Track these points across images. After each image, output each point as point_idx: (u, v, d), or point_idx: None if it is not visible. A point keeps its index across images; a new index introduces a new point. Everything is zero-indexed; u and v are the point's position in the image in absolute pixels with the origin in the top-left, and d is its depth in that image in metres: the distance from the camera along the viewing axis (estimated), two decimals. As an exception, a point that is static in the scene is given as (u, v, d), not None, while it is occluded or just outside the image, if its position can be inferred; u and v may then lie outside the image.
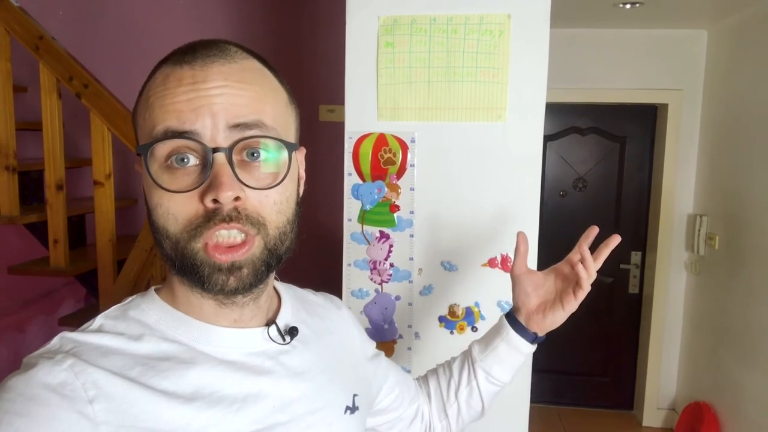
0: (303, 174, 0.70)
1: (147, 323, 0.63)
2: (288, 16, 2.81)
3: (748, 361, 2.77)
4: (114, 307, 0.66)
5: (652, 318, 3.51)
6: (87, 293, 2.82)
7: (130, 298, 0.67)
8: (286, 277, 0.76)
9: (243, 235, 0.57)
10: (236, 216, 0.56)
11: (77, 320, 2.36)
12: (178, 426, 0.56)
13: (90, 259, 2.45)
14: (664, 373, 3.56)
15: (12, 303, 2.67)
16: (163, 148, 0.57)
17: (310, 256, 2.55)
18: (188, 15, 2.86)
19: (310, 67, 2.76)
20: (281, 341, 0.68)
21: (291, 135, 0.65)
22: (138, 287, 2.14)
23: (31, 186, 2.56)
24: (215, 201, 0.55)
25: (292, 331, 0.70)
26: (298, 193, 0.66)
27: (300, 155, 0.70)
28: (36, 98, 2.29)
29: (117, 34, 2.91)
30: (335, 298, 0.89)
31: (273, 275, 0.69)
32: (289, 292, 0.78)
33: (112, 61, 2.84)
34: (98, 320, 0.63)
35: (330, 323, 0.81)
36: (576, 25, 3.28)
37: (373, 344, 0.93)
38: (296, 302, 0.77)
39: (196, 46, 0.60)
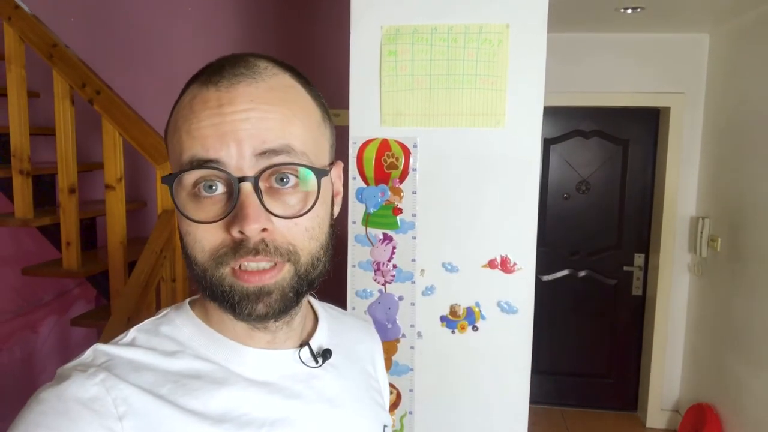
0: (340, 189, 0.67)
1: (180, 340, 0.62)
2: (294, 22, 2.87)
3: (751, 362, 2.79)
4: (148, 320, 0.65)
5: (655, 320, 3.54)
6: (98, 294, 2.88)
7: (163, 312, 0.66)
8: None
9: (272, 263, 0.56)
10: (264, 249, 0.54)
11: (88, 321, 2.41)
12: None
13: (101, 261, 2.50)
14: (668, 374, 3.58)
15: (25, 304, 2.74)
16: (189, 178, 0.55)
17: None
18: (197, 22, 2.92)
19: (314, 72, 2.80)
20: (313, 364, 0.66)
21: (324, 155, 0.61)
22: (148, 289, 2.18)
23: (44, 189, 2.62)
24: (242, 233, 0.53)
25: (326, 354, 0.68)
26: (331, 215, 0.63)
27: (336, 170, 0.65)
28: (48, 103, 2.36)
29: (128, 41, 2.97)
30: (370, 325, 0.87)
31: (307, 297, 0.68)
32: (325, 311, 0.75)
33: (123, 68, 2.91)
34: (131, 333, 0.62)
35: (362, 348, 0.79)
36: (579, 29, 3.32)
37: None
38: (332, 323, 0.75)
39: (224, 63, 0.58)
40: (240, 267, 0.55)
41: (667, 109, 3.43)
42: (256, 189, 0.54)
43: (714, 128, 3.28)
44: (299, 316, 0.66)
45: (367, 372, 0.77)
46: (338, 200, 0.66)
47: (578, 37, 3.38)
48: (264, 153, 0.54)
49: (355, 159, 1.62)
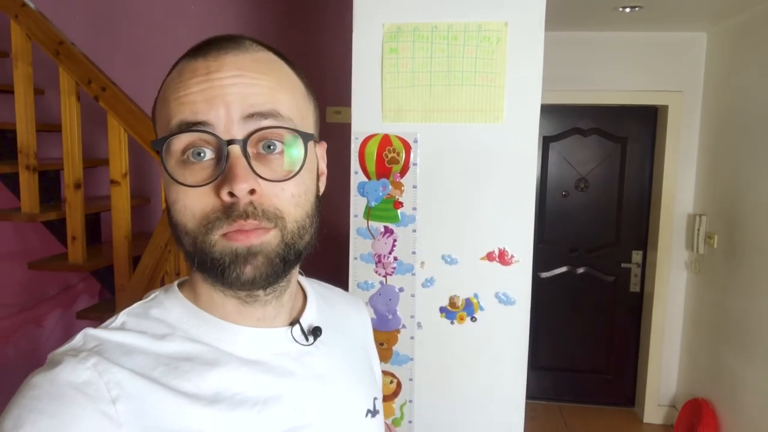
0: (324, 169, 0.68)
1: (169, 322, 0.62)
2: (297, 20, 2.91)
3: (747, 357, 2.83)
4: (136, 303, 0.64)
5: (652, 316, 3.58)
6: (102, 288, 2.92)
7: (152, 294, 0.66)
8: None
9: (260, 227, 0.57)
10: (252, 212, 0.55)
11: (94, 314, 2.45)
12: (200, 428, 0.56)
13: (106, 255, 2.54)
14: (665, 370, 3.62)
15: (31, 298, 2.77)
16: (178, 143, 0.56)
17: (318, 250, 2.64)
18: (201, 20, 2.96)
19: (317, 70, 2.85)
20: (304, 342, 0.67)
21: (309, 126, 0.63)
22: (152, 283, 2.22)
23: (50, 185, 2.66)
24: (231, 194, 0.54)
25: (316, 332, 0.68)
26: (317, 187, 0.64)
27: (320, 149, 0.67)
28: (52, 100, 2.39)
29: (133, 39, 3.01)
30: (358, 300, 0.88)
31: (296, 272, 0.68)
32: (313, 289, 0.76)
33: (129, 65, 2.95)
34: (121, 317, 0.62)
35: (350, 323, 0.80)
36: (577, 27, 3.35)
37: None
38: (320, 300, 0.75)
39: (211, 40, 0.60)
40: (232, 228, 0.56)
41: (665, 108, 3.47)
42: (245, 152, 0.55)
43: (711, 126, 3.31)
44: (288, 293, 0.66)
45: (356, 346, 0.79)
46: (323, 179, 0.68)
47: (577, 36, 3.41)
48: (252, 116, 0.55)
49: (356, 154, 1.66)
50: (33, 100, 2.45)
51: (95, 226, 2.81)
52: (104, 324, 0.62)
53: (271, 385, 0.61)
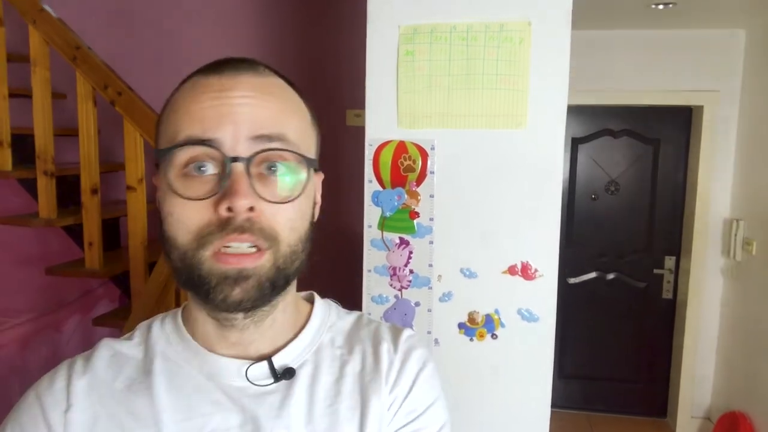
0: (319, 199, 0.67)
1: (155, 339, 0.67)
2: (316, 22, 2.85)
3: (786, 371, 2.69)
4: (160, 314, 0.70)
5: (686, 324, 3.44)
6: (121, 294, 2.90)
7: (182, 306, 0.70)
8: (305, 280, 0.70)
9: (254, 248, 0.56)
10: (249, 227, 0.55)
11: (109, 321, 2.43)
12: None
13: (123, 261, 2.52)
14: (699, 380, 3.47)
15: (50, 303, 2.78)
16: (182, 155, 0.56)
17: (331, 261, 2.57)
18: (218, 24, 2.92)
19: (337, 72, 2.79)
20: (262, 381, 0.63)
21: (311, 154, 0.63)
22: (167, 289, 2.19)
23: (68, 190, 2.65)
24: (229, 210, 0.54)
25: (285, 374, 0.64)
26: (312, 214, 0.64)
27: (317, 179, 0.66)
28: (75, 105, 2.38)
29: (149, 44, 2.99)
30: (419, 353, 0.71)
31: (285, 299, 0.65)
32: (327, 325, 0.71)
33: (145, 70, 2.92)
34: (136, 330, 0.69)
35: (367, 369, 0.67)
36: (608, 26, 3.23)
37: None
38: (338, 338, 0.70)
39: (227, 60, 0.61)
40: (222, 249, 0.55)
41: (700, 108, 3.32)
42: (248, 170, 0.55)
43: (749, 127, 3.16)
44: (271, 319, 0.63)
45: (356, 392, 0.66)
46: (317, 210, 0.67)
47: (608, 35, 3.29)
48: (259, 137, 0.56)
49: (371, 162, 1.58)
50: (51, 105, 2.44)
51: (114, 231, 2.79)
52: (123, 336, 0.69)
53: (218, 419, 0.61)
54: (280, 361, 0.65)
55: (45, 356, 2.60)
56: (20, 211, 2.77)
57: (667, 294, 3.59)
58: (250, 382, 0.63)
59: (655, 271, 3.59)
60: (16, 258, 2.86)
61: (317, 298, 0.74)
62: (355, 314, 0.75)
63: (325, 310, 0.72)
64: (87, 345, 0.70)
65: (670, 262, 3.57)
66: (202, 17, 2.94)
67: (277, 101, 0.59)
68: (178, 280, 0.59)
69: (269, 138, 0.56)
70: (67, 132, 2.69)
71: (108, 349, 0.67)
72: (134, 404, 0.61)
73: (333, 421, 0.63)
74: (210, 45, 2.89)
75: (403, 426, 0.66)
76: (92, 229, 2.40)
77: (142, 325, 0.70)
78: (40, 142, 2.41)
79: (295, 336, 0.67)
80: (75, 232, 2.64)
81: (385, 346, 0.69)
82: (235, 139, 0.55)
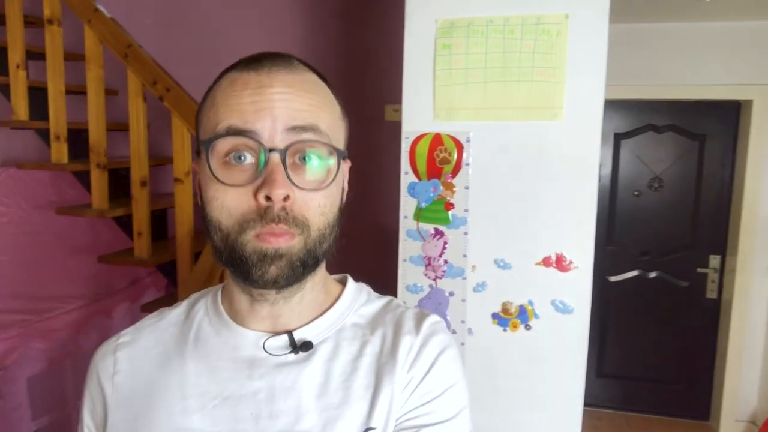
0: (347, 186, 0.72)
1: (197, 310, 0.74)
2: (356, 18, 2.89)
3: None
4: (208, 288, 0.77)
5: (731, 324, 3.35)
6: (168, 283, 3.01)
7: (218, 286, 0.77)
8: (342, 269, 0.77)
9: (288, 233, 0.61)
10: (284, 217, 0.60)
11: (157, 307, 2.50)
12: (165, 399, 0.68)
13: (170, 250, 2.61)
14: (744, 383, 3.38)
15: (101, 290, 2.90)
16: (223, 144, 0.61)
17: (369, 249, 2.61)
18: (262, 22, 3.00)
19: (376, 68, 2.83)
20: (281, 352, 0.68)
21: (341, 144, 0.68)
22: (212, 278, 2.27)
23: (119, 182, 2.77)
24: (267, 198, 0.59)
25: (303, 346, 0.68)
26: (341, 201, 0.69)
27: (345, 167, 0.72)
28: (126, 101, 2.48)
29: (197, 42, 3.09)
30: (441, 338, 0.72)
31: (313, 278, 0.69)
32: (360, 305, 0.74)
33: (192, 67, 3.01)
34: (186, 300, 0.77)
35: (390, 370, 0.68)
36: (653, 19, 3.17)
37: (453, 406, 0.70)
38: (363, 320, 0.73)
39: (263, 56, 0.65)
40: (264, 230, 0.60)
41: (749, 102, 3.23)
42: (284, 160, 0.60)
43: (801, 122, 3.05)
44: (299, 296, 0.68)
45: (371, 372, 0.68)
46: (344, 196, 0.71)
47: (652, 28, 3.23)
48: (294, 128, 0.61)
49: (407, 154, 1.61)
50: (104, 101, 2.55)
51: (162, 222, 2.90)
52: (175, 304, 0.78)
53: (234, 386, 0.66)
54: (301, 335, 0.69)
55: (96, 341, 2.71)
56: (75, 202, 2.92)
57: (711, 293, 3.50)
58: (267, 352, 0.67)
59: (699, 270, 3.50)
60: (70, 247, 3.00)
61: (350, 280, 0.77)
62: (385, 299, 0.78)
63: (355, 292, 0.75)
64: (135, 331, 0.79)
65: (714, 261, 3.48)
66: (246, 16, 3.02)
67: (310, 96, 0.63)
68: (218, 258, 0.64)
69: (303, 129, 0.61)
70: (118, 127, 2.81)
71: (157, 315, 0.77)
72: (167, 369, 0.69)
73: (345, 397, 0.66)
74: (254, 42, 2.96)
75: (418, 407, 0.67)
76: (141, 220, 2.50)
77: (193, 296, 0.78)
78: (93, 136, 2.53)
79: (321, 314, 0.71)
80: (125, 223, 2.75)
81: (406, 329, 0.71)
82: (273, 131, 0.60)
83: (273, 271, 0.61)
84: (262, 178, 0.59)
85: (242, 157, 0.60)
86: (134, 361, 0.71)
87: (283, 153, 0.60)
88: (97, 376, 0.72)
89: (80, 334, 2.68)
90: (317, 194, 0.62)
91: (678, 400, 3.62)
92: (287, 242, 0.61)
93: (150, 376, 0.69)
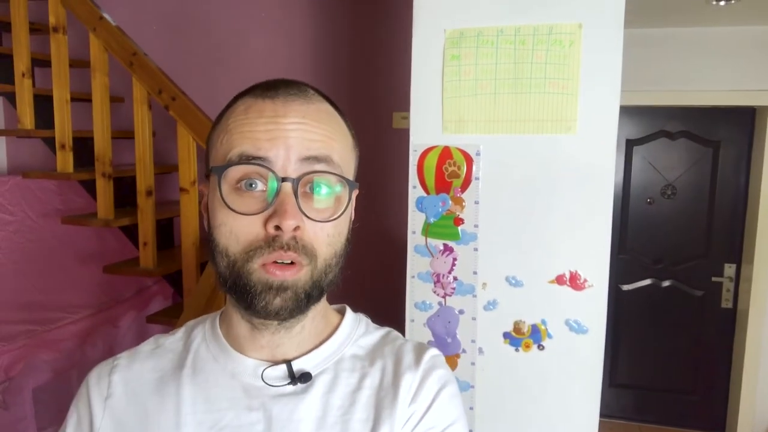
0: (353, 215, 0.72)
1: (193, 338, 0.73)
2: (365, 26, 2.86)
3: None
4: (206, 315, 0.77)
5: (747, 335, 3.27)
6: (174, 292, 2.99)
7: (216, 313, 0.76)
8: (349, 285, 0.74)
9: (296, 263, 0.61)
10: (293, 245, 0.60)
11: (162, 318, 2.50)
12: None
13: (176, 260, 2.59)
14: (760, 394, 3.30)
15: (107, 300, 2.88)
16: (235, 172, 0.61)
17: (377, 266, 2.57)
18: (269, 30, 2.96)
19: (384, 75, 2.79)
20: (277, 383, 0.67)
21: (352, 175, 0.68)
22: (216, 290, 2.24)
23: (124, 191, 2.75)
24: (277, 228, 0.58)
25: (302, 377, 0.67)
26: (349, 230, 0.68)
27: (353, 196, 0.71)
28: (131, 109, 2.46)
29: (203, 49, 3.06)
30: (441, 373, 0.71)
31: (315, 307, 0.67)
32: (358, 336, 0.74)
33: (198, 74, 3.00)
34: (182, 328, 0.76)
35: (383, 387, 0.69)
36: (665, 24, 3.11)
37: None
38: (362, 351, 0.72)
39: (278, 84, 0.65)
40: (270, 260, 0.60)
41: (764, 108, 3.16)
42: (295, 191, 0.60)
43: (820, 128, 2.98)
44: (299, 326, 0.68)
45: (371, 406, 0.67)
46: (350, 225, 0.71)
47: (665, 32, 3.17)
48: (307, 159, 0.61)
49: (415, 167, 1.57)
50: (109, 109, 2.53)
51: (168, 231, 2.88)
52: (171, 332, 0.76)
53: (231, 415, 0.65)
54: (299, 365, 0.68)
55: (102, 350, 2.69)
56: (81, 210, 2.90)
57: (726, 303, 3.43)
58: (264, 382, 0.66)
59: (714, 278, 3.43)
60: (76, 256, 2.98)
61: (348, 311, 0.77)
62: (384, 330, 0.77)
63: (353, 323, 0.75)
64: (141, 340, 0.77)
65: (730, 269, 3.41)
66: (253, 24, 2.99)
67: (325, 126, 0.63)
68: (222, 284, 0.63)
69: (317, 160, 0.61)
70: (123, 135, 2.79)
71: (153, 342, 0.75)
72: (162, 394, 0.68)
73: (343, 431, 0.65)
74: (261, 51, 2.94)
75: None
76: (147, 230, 2.48)
77: (189, 323, 0.77)
78: (99, 145, 2.51)
79: (320, 344, 0.71)
80: (131, 232, 2.73)
81: (406, 363, 0.70)
82: (286, 161, 0.60)
83: (278, 302, 0.61)
84: (273, 207, 0.59)
85: (254, 185, 0.60)
86: (129, 385, 0.70)
87: (296, 183, 0.59)
88: (88, 396, 0.70)
89: (86, 344, 2.65)
90: (327, 225, 0.62)
91: (692, 411, 3.55)
92: (293, 275, 0.60)
93: (145, 402, 0.68)
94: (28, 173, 2.70)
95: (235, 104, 0.65)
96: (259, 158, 0.60)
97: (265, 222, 0.59)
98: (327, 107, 0.67)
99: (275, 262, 0.60)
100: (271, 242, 0.59)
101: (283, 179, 0.59)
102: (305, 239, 0.60)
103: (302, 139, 0.61)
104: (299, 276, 0.61)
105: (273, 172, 0.59)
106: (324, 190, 0.62)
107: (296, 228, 0.59)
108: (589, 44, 1.46)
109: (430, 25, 1.54)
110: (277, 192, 0.59)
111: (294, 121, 0.61)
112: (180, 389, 0.68)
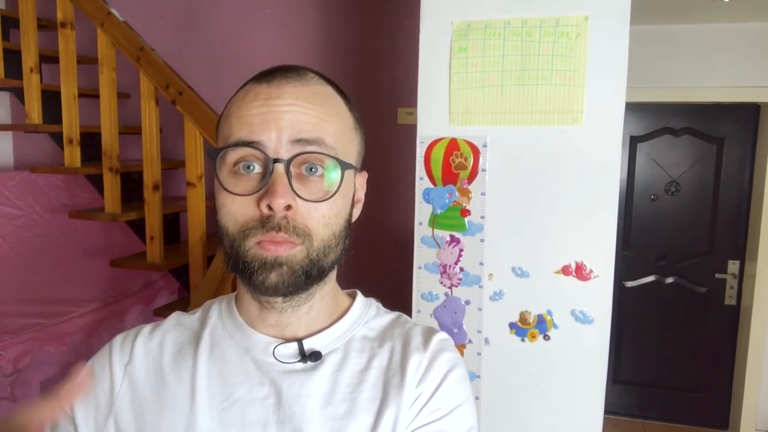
0: (362, 197, 0.73)
1: (210, 314, 0.75)
2: (369, 22, 2.87)
3: None
4: (223, 296, 0.78)
5: (750, 331, 3.28)
6: (180, 286, 3.00)
7: (233, 293, 0.78)
8: (356, 276, 0.76)
9: (288, 242, 0.63)
10: (285, 226, 0.61)
11: (169, 311, 2.50)
12: (174, 397, 0.68)
13: (183, 254, 2.60)
14: (764, 390, 3.31)
15: (114, 293, 2.90)
16: (232, 155, 0.63)
17: (383, 257, 2.59)
18: (275, 25, 2.98)
19: (389, 71, 2.80)
20: (288, 360, 0.68)
21: (351, 157, 0.69)
22: (224, 282, 2.25)
23: (131, 185, 2.76)
24: (269, 207, 0.60)
25: (311, 356, 0.69)
26: (350, 213, 0.70)
27: (361, 179, 0.73)
28: (138, 104, 2.47)
29: (210, 45, 3.08)
30: (449, 356, 0.72)
31: (323, 288, 0.70)
32: (369, 318, 0.75)
33: (205, 70, 3.01)
34: (202, 306, 0.78)
35: (391, 368, 0.70)
36: (670, 20, 3.12)
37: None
38: (372, 333, 0.74)
39: (278, 69, 0.67)
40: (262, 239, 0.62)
41: (769, 105, 3.16)
42: (287, 171, 0.61)
43: (824, 125, 2.99)
44: (308, 306, 0.69)
45: (378, 385, 0.68)
46: (359, 207, 0.73)
47: (670, 29, 3.17)
48: (299, 141, 0.62)
49: (422, 159, 1.58)
50: (116, 104, 2.54)
51: (174, 226, 2.89)
52: (190, 311, 0.79)
53: (244, 389, 0.67)
54: (310, 344, 0.70)
55: (108, 342, 2.71)
56: (88, 205, 2.92)
57: (729, 300, 3.43)
58: (276, 358, 0.68)
59: (717, 275, 3.44)
60: (84, 250, 3.00)
61: (359, 295, 0.78)
62: (395, 314, 0.79)
63: (364, 306, 0.77)
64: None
65: (733, 266, 3.41)
66: (260, 19, 3.00)
67: (319, 108, 0.64)
68: (227, 263, 0.66)
69: (308, 142, 0.62)
70: (130, 130, 2.81)
71: (175, 319, 0.77)
72: (179, 366, 0.70)
73: (350, 408, 0.67)
74: (267, 45, 2.95)
75: (427, 424, 0.67)
76: (154, 224, 2.49)
77: (207, 302, 0.79)
78: (106, 140, 2.52)
79: (330, 325, 0.72)
80: (137, 227, 2.74)
81: (415, 345, 0.71)
82: (278, 143, 0.61)
83: (273, 277, 0.62)
84: (265, 188, 0.61)
85: (251, 167, 0.62)
86: (149, 354, 0.72)
87: (287, 164, 0.61)
88: (110, 358, 0.72)
89: (93, 338, 2.67)
90: (321, 205, 0.63)
91: (696, 408, 3.56)
92: (287, 251, 0.62)
93: (162, 372, 0.70)
94: (36, 168, 2.72)
95: (240, 90, 0.67)
96: (253, 142, 0.62)
97: (258, 201, 0.61)
98: (325, 89, 0.67)
99: (266, 240, 0.62)
100: (264, 222, 0.61)
101: (275, 160, 0.61)
102: (297, 219, 0.62)
103: (293, 121, 0.62)
104: (294, 252, 0.62)
105: (265, 153, 0.61)
106: (317, 170, 0.63)
107: (288, 207, 0.61)
108: (596, 37, 1.48)
109: (437, 17, 1.56)
110: (270, 173, 0.61)
111: (287, 102, 0.63)
112: (196, 363, 0.70)
